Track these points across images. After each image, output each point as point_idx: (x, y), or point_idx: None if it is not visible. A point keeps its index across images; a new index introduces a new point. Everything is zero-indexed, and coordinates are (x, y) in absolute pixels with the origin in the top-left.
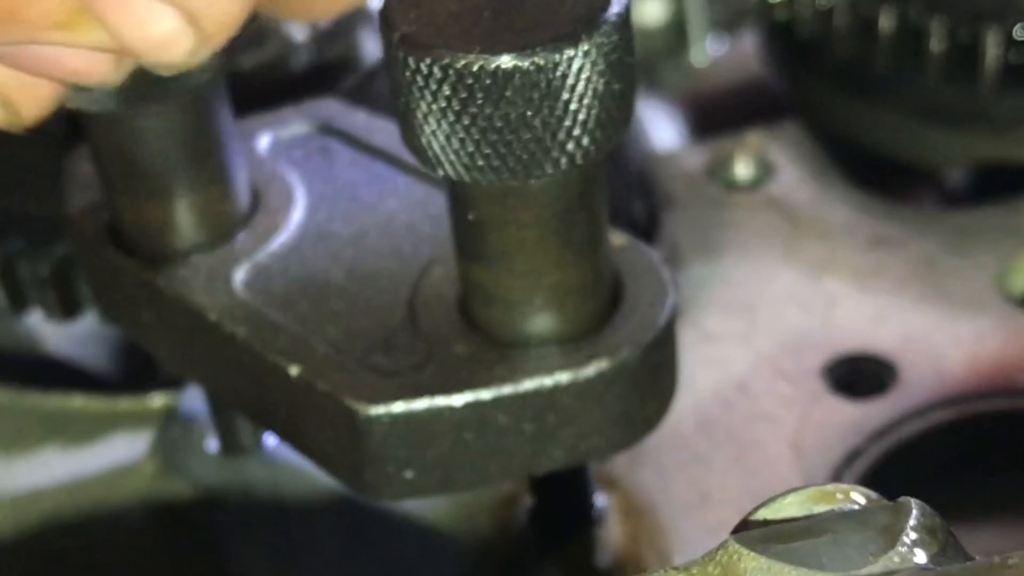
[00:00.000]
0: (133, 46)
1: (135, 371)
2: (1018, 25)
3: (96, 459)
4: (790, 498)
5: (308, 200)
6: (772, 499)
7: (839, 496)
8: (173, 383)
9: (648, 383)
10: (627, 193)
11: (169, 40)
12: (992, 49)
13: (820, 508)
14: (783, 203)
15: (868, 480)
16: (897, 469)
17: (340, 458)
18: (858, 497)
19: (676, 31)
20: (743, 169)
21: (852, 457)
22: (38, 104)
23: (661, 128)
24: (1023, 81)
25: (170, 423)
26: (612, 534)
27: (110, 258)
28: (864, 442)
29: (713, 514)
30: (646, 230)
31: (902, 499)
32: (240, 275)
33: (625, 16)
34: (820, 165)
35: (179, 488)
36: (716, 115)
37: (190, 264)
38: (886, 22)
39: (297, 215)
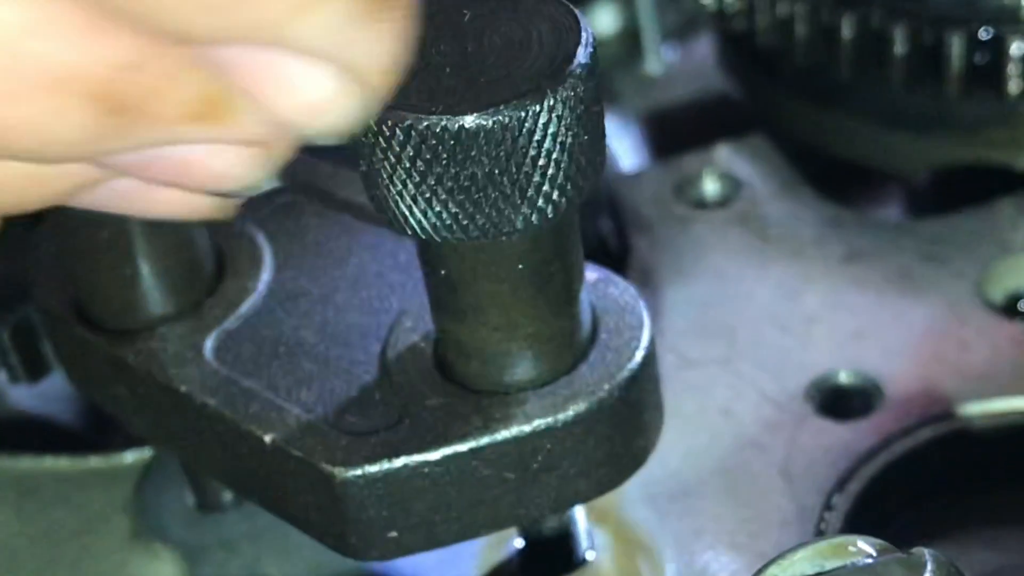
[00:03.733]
0: (290, 119)
1: (105, 427)
2: (981, 28)
3: (71, 520)
4: (800, 554)
5: (275, 260)
6: (781, 555)
7: (850, 549)
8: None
9: (631, 421)
10: (597, 216)
11: (332, 103)
12: (956, 52)
13: (831, 563)
14: (753, 219)
15: (860, 502)
16: (889, 490)
17: (323, 523)
18: (869, 548)
19: (629, 40)
20: (711, 186)
21: (843, 481)
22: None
23: (620, 143)
24: (987, 84)
25: (144, 480)
26: (605, 573)
27: (77, 335)
28: (854, 464)
29: (707, 547)
30: (617, 253)
31: (916, 551)
32: (210, 343)
33: (591, 65)
34: (787, 178)
35: (156, 547)
36: (676, 129)
37: (158, 336)
38: (847, 29)
39: (265, 276)
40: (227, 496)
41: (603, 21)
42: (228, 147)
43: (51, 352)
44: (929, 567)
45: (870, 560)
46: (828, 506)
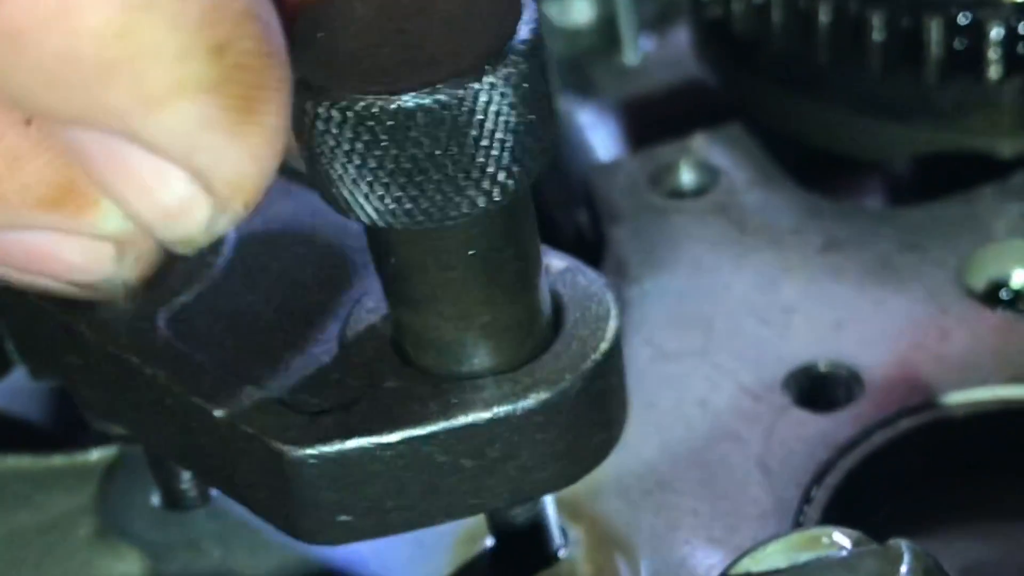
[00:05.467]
0: (141, 219)
1: (69, 424)
2: (960, 13)
3: (34, 520)
4: (772, 547)
5: (236, 233)
6: (754, 548)
7: (824, 541)
8: (109, 437)
9: (593, 413)
10: (572, 206)
11: (181, 209)
12: (935, 38)
13: (805, 555)
14: (730, 209)
15: (840, 494)
16: (869, 481)
17: (273, 503)
18: (843, 540)
19: (606, 30)
20: (687, 176)
21: (822, 473)
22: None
23: (597, 133)
24: (967, 70)
25: (110, 479)
26: (579, 569)
27: (30, 302)
28: (833, 456)
29: (684, 543)
30: (593, 244)
31: (892, 543)
32: (163, 316)
33: (534, 42)
34: (765, 167)
35: (121, 547)
36: (653, 119)
37: (111, 306)
38: (824, 15)
39: (225, 250)
40: (193, 495)
41: (580, 11)
42: (83, 239)
43: (10, 345)
44: (906, 559)
45: (844, 552)
46: (807, 498)
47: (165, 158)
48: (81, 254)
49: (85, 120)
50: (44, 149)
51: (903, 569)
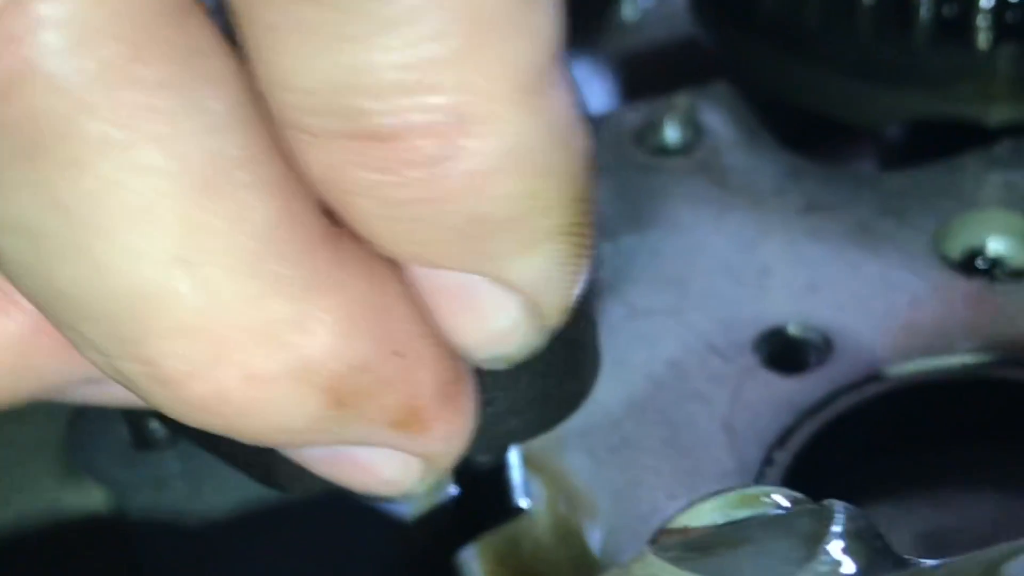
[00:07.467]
0: (471, 344)
1: None
2: None
3: (2, 455)
4: (710, 503)
5: None
6: (692, 504)
7: (762, 500)
8: None
9: (565, 362)
10: None
11: (509, 332)
12: (924, 4)
13: (742, 513)
14: (714, 168)
15: (802, 458)
16: (831, 445)
17: (248, 455)
18: (782, 500)
19: None
20: (672, 133)
21: (785, 435)
22: None
23: (591, 88)
24: (957, 36)
25: (79, 416)
26: (540, 521)
27: None
28: (798, 419)
29: (644, 499)
30: None
31: (826, 502)
32: None
33: None
34: (751, 127)
35: (88, 484)
36: (649, 74)
37: None
38: None
39: None
40: (162, 435)
41: None
42: (403, 456)
43: None
44: (838, 518)
45: (781, 511)
46: (768, 461)
47: (513, 291)
48: (396, 470)
49: (462, 266)
50: (409, 378)
51: (835, 529)
